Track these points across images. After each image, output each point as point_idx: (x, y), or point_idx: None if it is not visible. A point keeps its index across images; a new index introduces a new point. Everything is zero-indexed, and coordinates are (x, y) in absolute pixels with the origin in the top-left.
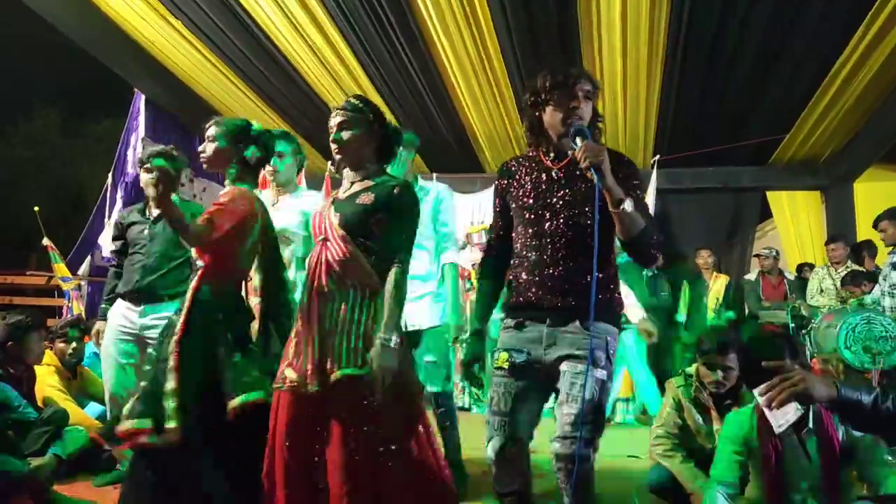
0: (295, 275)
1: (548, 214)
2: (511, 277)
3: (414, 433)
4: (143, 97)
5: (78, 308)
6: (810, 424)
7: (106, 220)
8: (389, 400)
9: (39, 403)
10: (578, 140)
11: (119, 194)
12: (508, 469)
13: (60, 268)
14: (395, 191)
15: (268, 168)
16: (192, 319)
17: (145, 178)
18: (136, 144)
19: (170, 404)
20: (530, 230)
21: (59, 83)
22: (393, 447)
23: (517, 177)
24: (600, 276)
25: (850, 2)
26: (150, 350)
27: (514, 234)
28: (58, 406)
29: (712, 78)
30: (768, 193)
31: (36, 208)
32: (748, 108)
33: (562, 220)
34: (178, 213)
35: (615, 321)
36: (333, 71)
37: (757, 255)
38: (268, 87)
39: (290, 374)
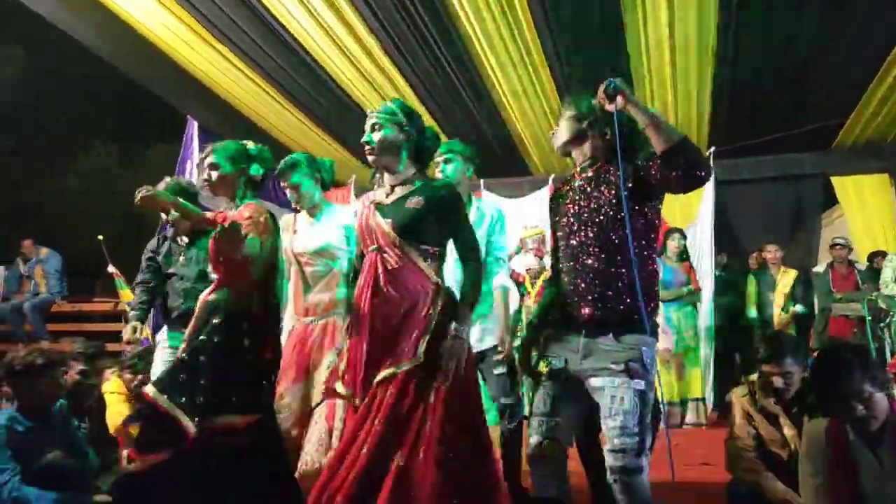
0: (344, 291)
1: (576, 225)
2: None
3: (470, 434)
4: (195, 124)
5: (146, 332)
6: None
7: None
8: (452, 400)
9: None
10: (619, 99)
11: None
12: (545, 469)
13: (126, 294)
14: (442, 192)
15: (292, 200)
16: (202, 330)
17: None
18: (192, 171)
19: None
20: (564, 242)
21: (114, 116)
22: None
23: (561, 195)
24: (629, 282)
25: None
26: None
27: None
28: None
29: (767, 61)
30: (833, 179)
31: (100, 237)
32: (807, 91)
33: (590, 229)
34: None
35: (649, 331)
36: (374, 82)
37: (832, 246)
38: (317, 108)
39: (340, 388)
